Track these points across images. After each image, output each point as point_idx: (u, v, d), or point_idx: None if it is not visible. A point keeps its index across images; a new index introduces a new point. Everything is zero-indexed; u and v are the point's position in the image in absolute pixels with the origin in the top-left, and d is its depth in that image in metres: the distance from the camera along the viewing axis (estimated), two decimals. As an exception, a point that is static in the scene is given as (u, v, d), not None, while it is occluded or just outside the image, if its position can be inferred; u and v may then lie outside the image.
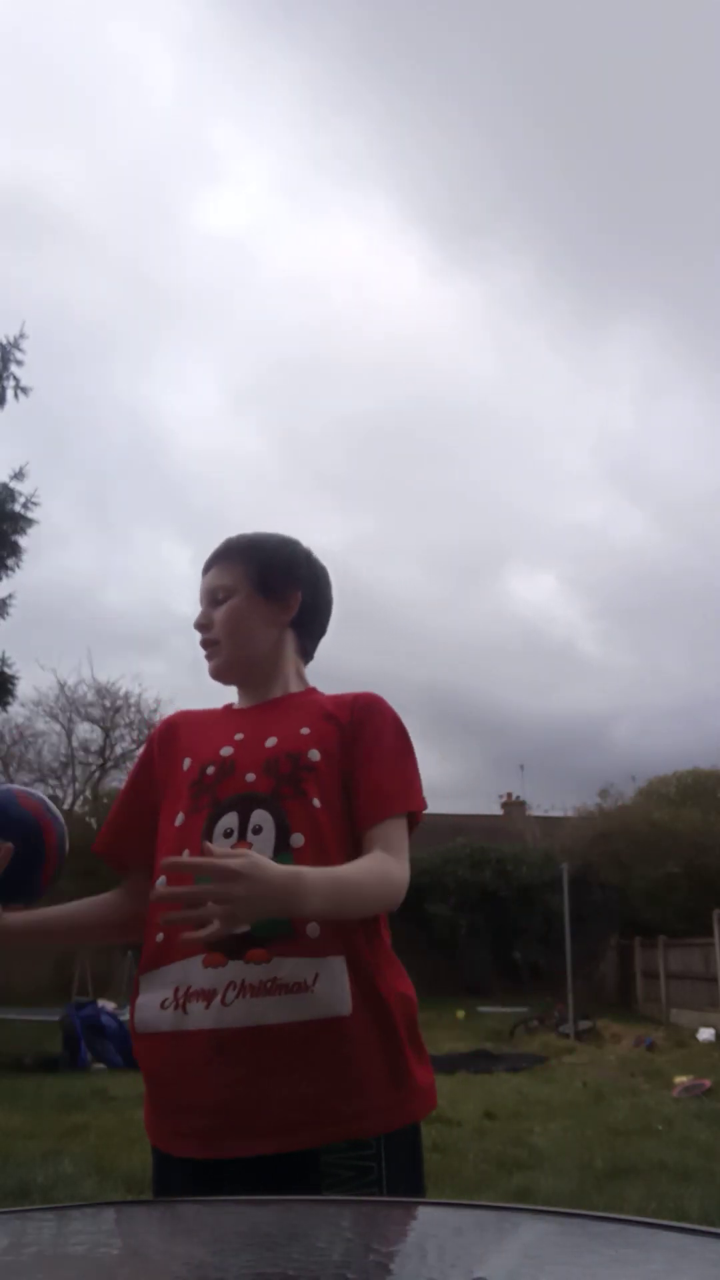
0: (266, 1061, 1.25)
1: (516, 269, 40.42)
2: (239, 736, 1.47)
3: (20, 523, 12.22)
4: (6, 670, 12.18)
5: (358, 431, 43.64)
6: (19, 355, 12.14)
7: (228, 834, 1.35)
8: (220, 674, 1.58)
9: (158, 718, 21.23)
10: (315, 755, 1.41)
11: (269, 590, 1.57)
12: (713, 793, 22.27)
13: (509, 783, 35.52)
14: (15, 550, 12.21)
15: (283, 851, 1.32)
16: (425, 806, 1.46)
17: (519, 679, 40.85)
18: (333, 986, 1.27)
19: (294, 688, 1.57)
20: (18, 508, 12.17)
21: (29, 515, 12.24)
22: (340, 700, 1.51)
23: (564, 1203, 4.23)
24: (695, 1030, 12.17)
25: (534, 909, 18.76)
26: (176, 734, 1.55)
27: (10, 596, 12.36)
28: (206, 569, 1.61)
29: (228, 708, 1.60)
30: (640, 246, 39.80)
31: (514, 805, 26.75)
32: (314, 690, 1.59)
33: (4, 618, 12.31)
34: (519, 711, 37.60)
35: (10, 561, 12.19)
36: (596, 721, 39.60)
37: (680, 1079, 8.47)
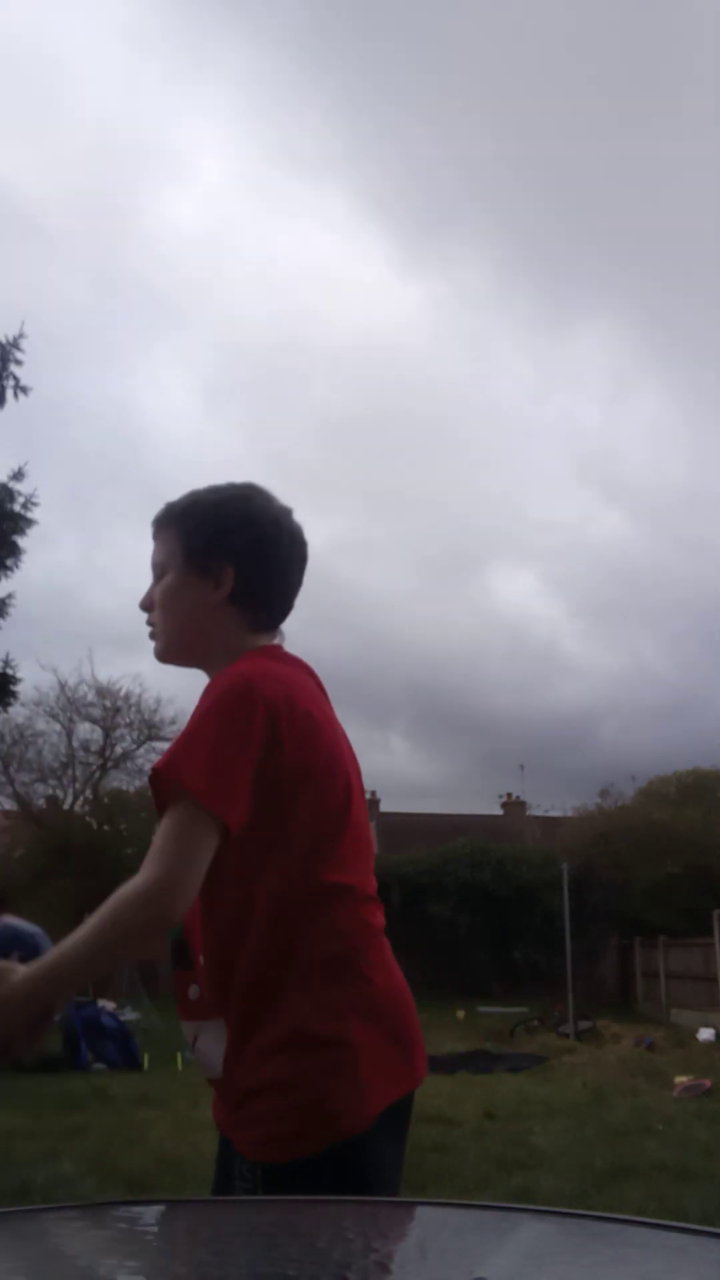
0: None
1: (482, 264, 40.29)
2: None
3: (20, 523, 12.20)
4: (8, 670, 12.18)
5: (335, 430, 43.40)
6: (19, 355, 12.12)
7: None
8: (161, 658, 1.43)
9: (158, 718, 21.22)
10: None
11: (197, 565, 1.38)
12: (713, 793, 22.27)
13: (509, 783, 35.46)
14: (15, 550, 12.20)
15: None
16: (181, 778, 1.17)
17: (517, 679, 40.79)
18: (211, 1049, 1.30)
19: None
20: (17, 508, 12.15)
21: (28, 515, 12.24)
22: None
23: (564, 1203, 4.22)
24: (695, 1030, 12.16)
25: (534, 909, 18.75)
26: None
27: (10, 596, 12.36)
28: (154, 536, 1.44)
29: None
30: (607, 241, 39.67)
31: (514, 805, 26.75)
32: None
33: (4, 618, 12.31)
34: (519, 711, 37.58)
35: (10, 562, 12.18)
36: (596, 721, 39.60)
37: (680, 1079, 8.46)
